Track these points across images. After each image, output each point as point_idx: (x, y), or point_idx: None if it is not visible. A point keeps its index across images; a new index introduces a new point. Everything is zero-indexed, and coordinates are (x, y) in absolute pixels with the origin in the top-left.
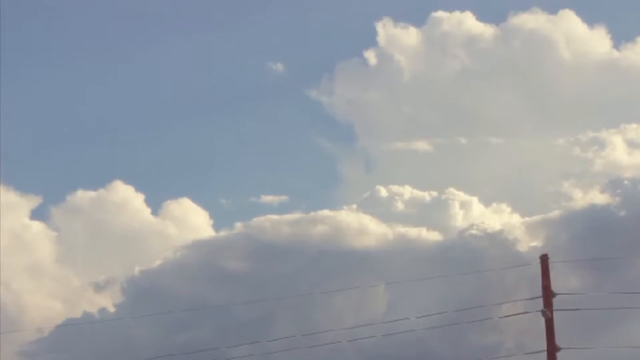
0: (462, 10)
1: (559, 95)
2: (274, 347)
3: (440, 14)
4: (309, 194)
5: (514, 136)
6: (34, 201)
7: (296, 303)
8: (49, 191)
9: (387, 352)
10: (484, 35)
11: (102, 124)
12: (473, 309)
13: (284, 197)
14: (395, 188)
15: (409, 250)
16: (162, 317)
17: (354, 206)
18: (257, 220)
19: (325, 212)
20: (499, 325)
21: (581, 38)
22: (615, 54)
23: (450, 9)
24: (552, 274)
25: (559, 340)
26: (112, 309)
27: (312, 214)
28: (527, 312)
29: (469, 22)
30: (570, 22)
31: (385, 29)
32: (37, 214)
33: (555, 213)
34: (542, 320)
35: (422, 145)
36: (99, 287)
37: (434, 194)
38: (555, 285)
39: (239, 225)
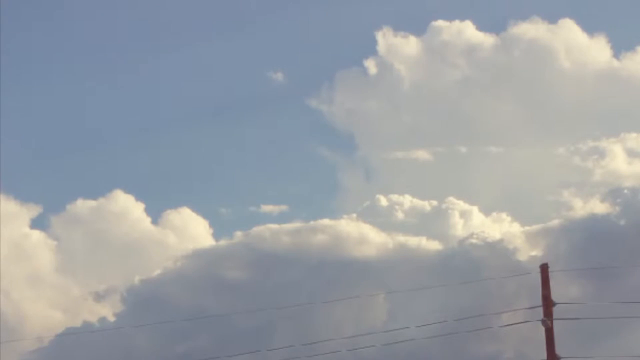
0: (462, 19)
1: (559, 104)
2: (274, 357)
3: (440, 23)
4: (309, 203)
5: (514, 145)
6: (34, 210)
7: (296, 312)
8: (49, 200)
9: None
10: (484, 44)
11: (102, 133)
12: (473, 318)
13: (283, 207)
14: (395, 197)
15: (409, 259)
16: (162, 326)
17: (354, 215)
18: (257, 230)
19: (325, 222)
20: (498, 335)
21: (581, 47)
22: (615, 63)
23: (450, 18)
24: (552, 283)
25: (558, 350)
26: (112, 318)
27: (312, 223)
28: (527, 322)
29: (468, 31)
30: (570, 31)
31: (385, 38)
32: (37, 223)
33: (555, 222)
34: (542, 330)
35: (422, 155)
36: (99, 297)
37: (434, 203)
38: (555, 295)
39: (239, 234)
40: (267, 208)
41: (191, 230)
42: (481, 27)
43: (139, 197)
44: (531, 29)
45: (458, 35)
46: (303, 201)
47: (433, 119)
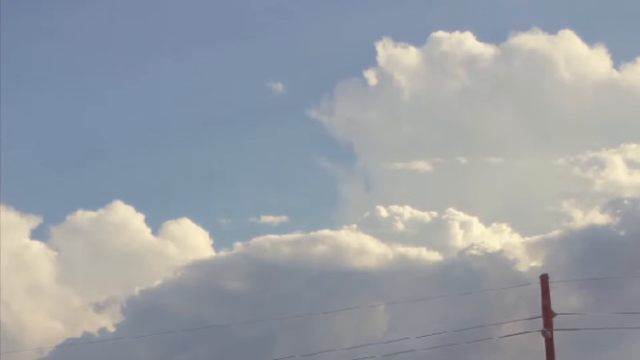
0: (462, 30)
1: (559, 115)
2: None
3: (440, 34)
4: (309, 214)
5: (514, 156)
6: (34, 221)
7: (296, 323)
8: (49, 211)
9: None
10: (484, 55)
11: (102, 144)
12: (473, 328)
13: (283, 217)
14: (395, 208)
15: (409, 270)
16: (162, 337)
17: (354, 226)
18: (257, 240)
19: (325, 232)
20: (499, 345)
21: (581, 58)
22: (615, 73)
23: (450, 29)
24: (552, 294)
25: None
26: (112, 329)
27: (312, 233)
28: (527, 332)
29: (469, 42)
30: (570, 42)
31: (385, 49)
32: (37, 234)
33: (555, 233)
34: (542, 340)
35: (422, 165)
36: (99, 307)
37: (434, 214)
38: (555, 305)
39: (238, 245)
40: (267, 219)
41: (191, 241)
42: (481, 37)
43: (139, 207)
44: (531, 40)
45: (458, 46)
46: (303, 212)
47: (433, 129)
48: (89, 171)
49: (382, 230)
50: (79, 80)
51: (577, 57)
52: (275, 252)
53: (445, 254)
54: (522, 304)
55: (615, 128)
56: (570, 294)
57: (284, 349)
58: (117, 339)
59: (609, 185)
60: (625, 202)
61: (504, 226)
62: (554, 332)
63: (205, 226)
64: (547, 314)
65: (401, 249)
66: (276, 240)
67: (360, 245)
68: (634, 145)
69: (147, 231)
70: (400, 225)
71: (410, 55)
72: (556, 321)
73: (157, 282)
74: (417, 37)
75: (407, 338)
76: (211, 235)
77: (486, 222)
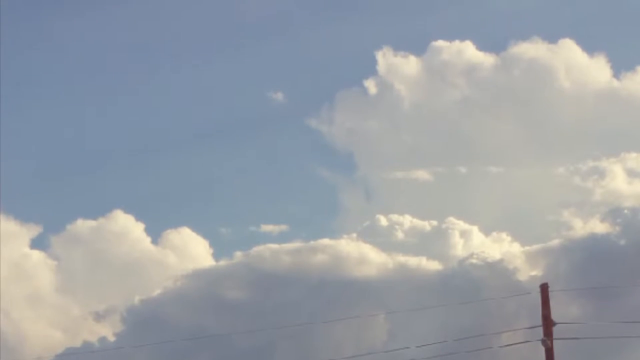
0: (462, 39)
1: (559, 124)
2: None
3: (440, 43)
4: (309, 223)
5: (514, 165)
6: (34, 230)
7: (296, 332)
8: (49, 220)
9: None
10: (484, 64)
11: (102, 153)
12: (473, 338)
13: (283, 226)
14: (395, 217)
15: (409, 279)
16: (163, 346)
17: (354, 235)
18: (257, 250)
19: (325, 241)
20: (498, 355)
21: (581, 67)
22: (615, 83)
23: (450, 38)
24: (552, 303)
25: None
26: (112, 338)
27: (312, 243)
28: (527, 342)
29: (469, 51)
30: (570, 51)
31: (385, 58)
32: (37, 243)
33: (555, 242)
34: (542, 350)
35: (422, 175)
36: (99, 316)
37: (434, 223)
38: (555, 314)
39: (239, 254)
40: (267, 228)
41: (191, 250)
42: (481, 47)
43: (139, 217)
44: (531, 49)
45: (458, 55)
46: (303, 221)
47: (433, 138)
48: (89, 180)
49: (382, 240)
50: (79, 89)
51: (577, 67)
52: (275, 261)
53: (445, 263)
54: (522, 313)
55: (615, 137)
56: (570, 303)
57: (284, 358)
58: (117, 348)
59: (609, 195)
60: (625, 211)
61: (504, 235)
62: (554, 341)
63: (205, 235)
64: (547, 323)
65: (401, 258)
66: (276, 250)
67: (360, 255)
68: (634, 155)
69: (147, 240)
70: (400, 235)
71: (410, 65)
72: (556, 330)
73: (157, 292)
74: (417, 46)
75: (407, 347)
76: (211, 245)
77: (486, 231)
